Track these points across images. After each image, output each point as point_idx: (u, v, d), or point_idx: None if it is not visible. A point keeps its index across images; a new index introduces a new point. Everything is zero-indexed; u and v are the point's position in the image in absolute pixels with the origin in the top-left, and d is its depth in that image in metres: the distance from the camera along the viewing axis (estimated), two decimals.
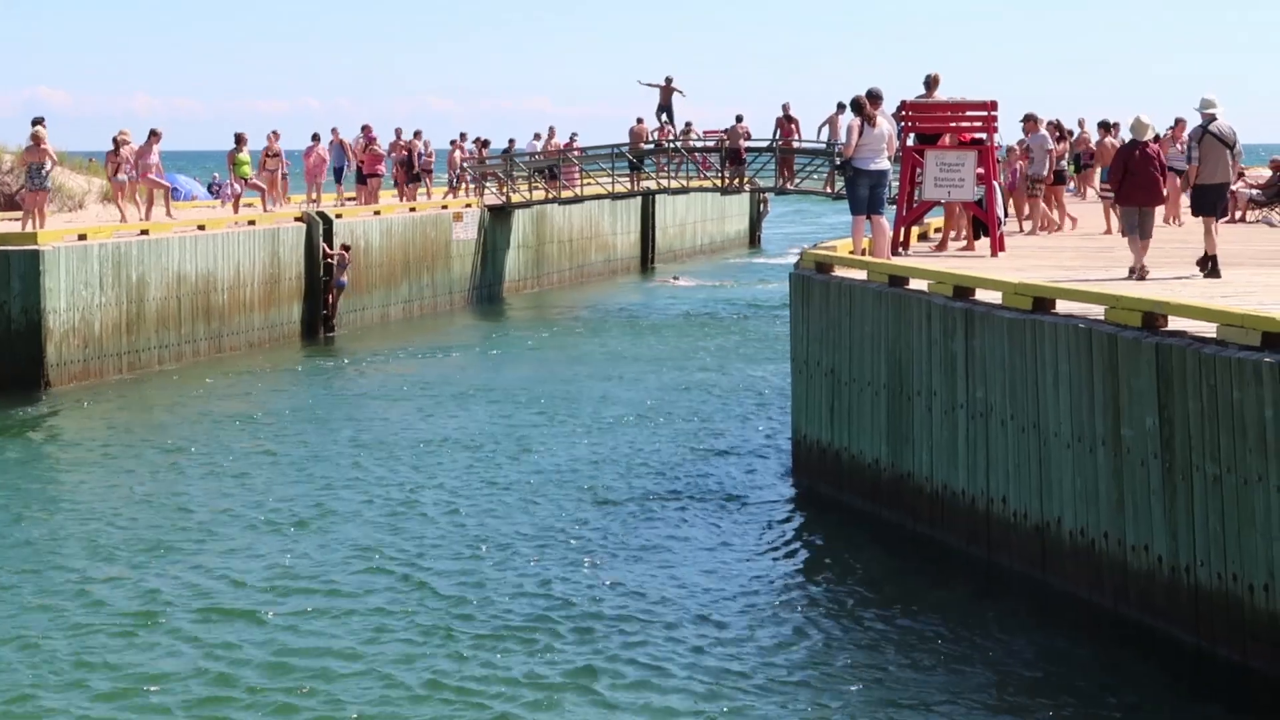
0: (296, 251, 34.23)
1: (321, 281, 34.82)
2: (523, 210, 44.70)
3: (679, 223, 59.52)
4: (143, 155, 31.71)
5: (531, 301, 43.98)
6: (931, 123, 21.39)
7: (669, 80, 44.90)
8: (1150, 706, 12.12)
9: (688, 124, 47.22)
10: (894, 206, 22.38)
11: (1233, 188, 25.39)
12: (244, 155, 36.13)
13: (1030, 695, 12.27)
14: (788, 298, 20.66)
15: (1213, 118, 17.45)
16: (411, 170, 42.32)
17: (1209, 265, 17.56)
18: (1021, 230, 25.63)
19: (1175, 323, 13.38)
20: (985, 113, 21.13)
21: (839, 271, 19.17)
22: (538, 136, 47.62)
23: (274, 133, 38.40)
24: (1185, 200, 22.94)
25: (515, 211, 44.41)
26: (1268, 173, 30.41)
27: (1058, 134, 29.91)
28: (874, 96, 19.83)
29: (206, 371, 29.28)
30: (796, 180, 42.59)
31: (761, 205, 68.82)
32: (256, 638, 13.76)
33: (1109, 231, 24.63)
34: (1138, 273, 17.40)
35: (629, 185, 45.30)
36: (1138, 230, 17.54)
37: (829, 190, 40.80)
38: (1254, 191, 28.97)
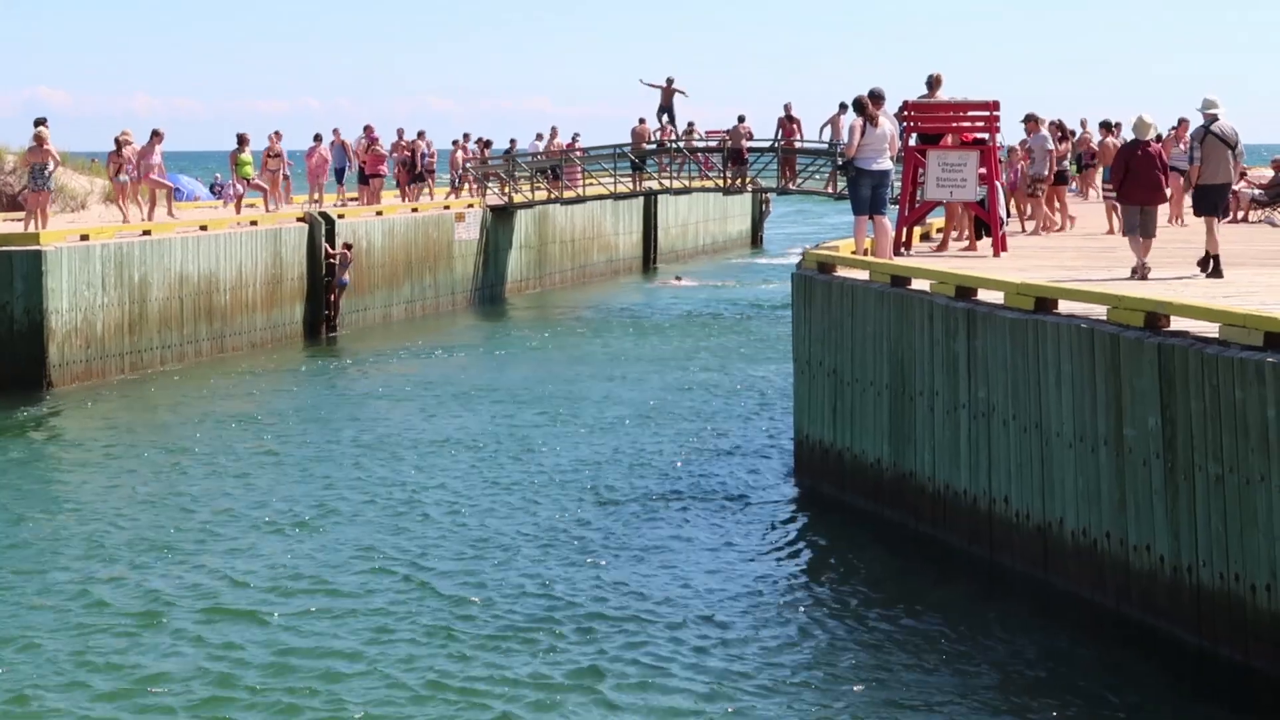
0: (299, 252, 34.24)
1: (324, 282, 34.84)
2: (525, 210, 44.71)
3: (681, 223, 59.52)
4: (145, 156, 31.73)
5: (534, 302, 43.99)
6: (934, 123, 21.39)
7: (670, 81, 44.90)
8: (1152, 706, 12.12)
9: (690, 124, 47.26)
10: (896, 206, 22.38)
11: (1235, 188, 25.41)
12: (246, 156, 36.13)
13: (1032, 695, 12.26)
14: (790, 298, 20.66)
15: (1215, 118, 17.44)
16: (415, 171, 42.36)
17: (1210, 265, 17.56)
18: (1024, 230, 25.63)
19: (1177, 323, 13.38)
20: (987, 113, 21.13)
21: (841, 271, 19.17)
22: (540, 137, 47.63)
23: (276, 133, 38.42)
24: (1188, 200, 22.94)
25: (517, 212, 44.42)
26: (1270, 173, 30.40)
27: (1060, 134, 29.91)
28: (876, 97, 19.83)
29: (209, 372, 29.30)
30: (798, 180, 42.59)
31: (763, 205, 68.85)
32: (258, 638, 13.76)
33: (1111, 231, 24.63)
34: (1140, 272, 17.40)
35: (631, 185, 45.29)
36: (1140, 229, 17.55)
37: (831, 190, 40.82)
38: (1256, 191, 28.97)
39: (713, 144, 45.82)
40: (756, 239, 68.67)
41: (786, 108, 42.79)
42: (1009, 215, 23.85)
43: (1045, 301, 14.95)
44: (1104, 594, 13.84)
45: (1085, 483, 14.03)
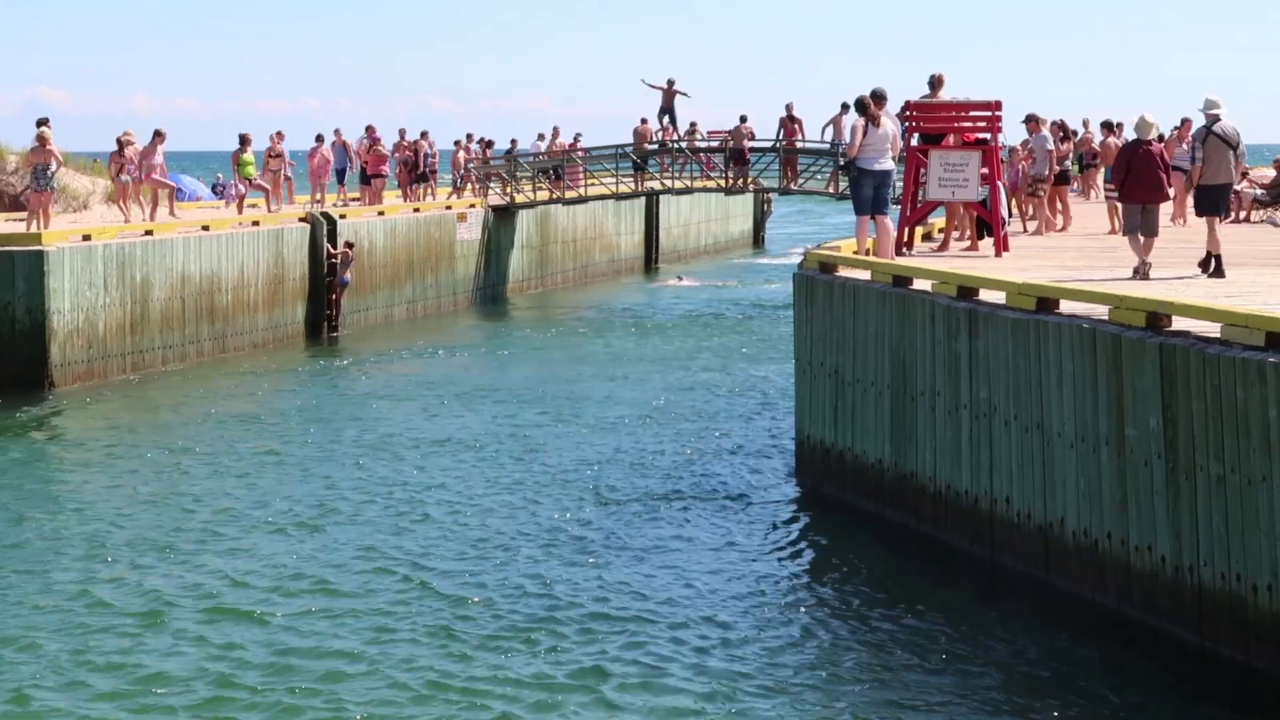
0: (300, 252, 34.25)
1: (325, 282, 34.85)
2: (527, 210, 44.72)
3: (683, 223, 59.53)
4: (147, 156, 31.75)
5: (535, 302, 43.99)
6: (936, 123, 21.39)
7: (671, 83, 44.87)
8: (1153, 707, 12.11)
9: (692, 124, 47.25)
10: (898, 206, 22.38)
11: (1237, 188, 25.39)
12: (248, 156, 36.14)
13: (1033, 695, 12.26)
14: (791, 298, 20.65)
15: (1217, 118, 17.44)
16: (419, 171, 42.41)
17: (1212, 265, 17.55)
18: (1025, 230, 25.63)
19: (1179, 323, 13.37)
20: (990, 113, 21.13)
21: (843, 272, 19.16)
22: (541, 137, 47.63)
23: (278, 133, 38.43)
24: (1190, 200, 22.94)
25: (519, 212, 44.43)
26: (1272, 172, 30.40)
27: (1062, 134, 29.91)
28: (878, 97, 19.82)
29: (210, 372, 29.30)
30: (800, 181, 42.60)
31: (765, 205, 68.87)
32: (260, 638, 13.76)
33: (1113, 231, 24.62)
34: (1141, 271, 17.40)
35: (633, 185, 45.29)
36: (1141, 228, 17.56)
37: (832, 190, 40.83)
38: (1258, 191, 28.97)
39: (714, 144, 45.82)
40: (758, 239, 68.69)
41: (788, 108, 42.82)
42: (1010, 215, 23.85)
43: (1047, 301, 14.94)
44: (1105, 594, 13.83)
45: (1087, 483, 14.02)
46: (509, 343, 34.52)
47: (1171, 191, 23.34)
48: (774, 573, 15.98)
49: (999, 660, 13.12)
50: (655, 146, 45.12)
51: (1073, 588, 14.25)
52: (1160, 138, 22.99)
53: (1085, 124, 34.76)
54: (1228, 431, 12.29)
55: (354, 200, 41.50)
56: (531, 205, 44.49)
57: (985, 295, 16.02)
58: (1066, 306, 14.83)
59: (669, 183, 46.30)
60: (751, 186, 46.40)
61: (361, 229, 36.43)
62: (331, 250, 34.79)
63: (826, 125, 41.00)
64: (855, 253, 20.30)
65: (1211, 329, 12.89)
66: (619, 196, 45.53)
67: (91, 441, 22.84)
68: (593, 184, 45.25)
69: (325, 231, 34.91)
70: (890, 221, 20.45)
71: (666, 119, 44.97)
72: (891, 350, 17.41)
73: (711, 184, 46.00)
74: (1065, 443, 14.31)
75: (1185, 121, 29.07)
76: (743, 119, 43.60)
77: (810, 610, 14.57)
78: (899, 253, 20.59)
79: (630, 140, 45.04)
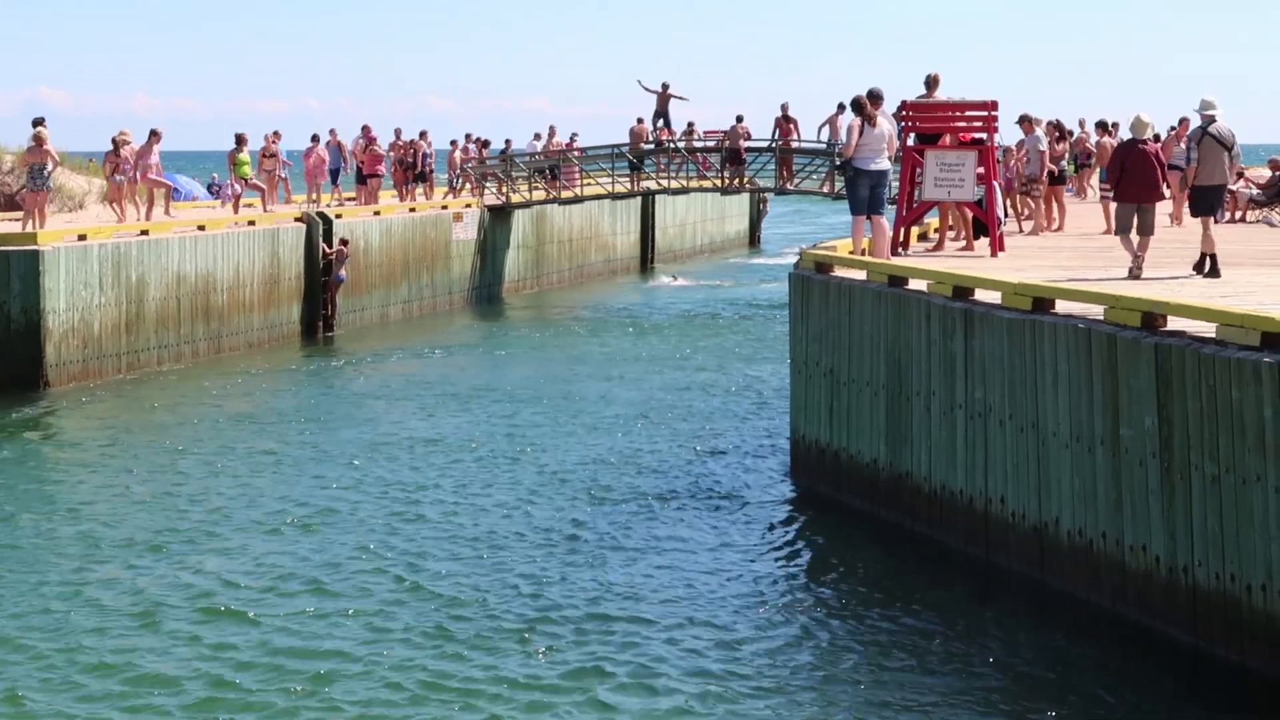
0: (296, 252, 34.24)
1: (321, 282, 34.84)
2: (522, 210, 44.72)
3: (679, 223, 59.53)
4: (143, 155, 31.73)
5: (531, 301, 43.99)
6: (932, 123, 21.38)
7: (665, 86, 44.86)
8: (1148, 706, 12.11)
9: (690, 124, 47.27)
10: (894, 206, 22.38)
11: (1233, 188, 25.40)
12: (244, 155, 36.13)
13: (1028, 695, 12.26)
14: (787, 298, 20.65)
15: (1212, 119, 17.45)
16: (418, 171, 42.42)
17: (1207, 265, 17.56)
18: (1020, 230, 25.64)
19: (1174, 323, 13.37)
20: (985, 113, 21.13)
21: (838, 271, 19.16)
22: (538, 137, 47.63)
23: (275, 133, 38.44)
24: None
25: (515, 212, 44.42)
26: (1268, 173, 30.41)
27: (1058, 134, 29.91)
28: (874, 96, 19.83)
29: (206, 372, 29.28)
30: (796, 180, 42.61)
31: (761, 205, 68.89)
32: (254, 638, 13.75)
33: (1108, 231, 24.63)
34: (1134, 270, 17.42)
35: (629, 185, 45.30)
36: (1136, 227, 17.57)
37: (828, 190, 40.83)
38: (1254, 191, 28.97)
39: (710, 144, 45.83)
40: (754, 239, 68.74)
41: (783, 107, 42.83)
42: (1006, 215, 23.86)
43: (1042, 301, 14.94)
44: (1100, 594, 13.83)
45: (1082, 483, 14.02)
46: (504, 343, 34.51)
47: (1168, 191, 23.34)
48: (769, 573, 15.98)
49: (994, 660, 13.11)
50: (651, 146, 45.13)
51: (1068, 587, 14.25)
52: (1156, 137, 23.00)
53: (1081, 124, 34.80)
54: (1223, 431, 12.29)
55: (350, 200, 41.50)
56: (527, 205, 44.48)
57: (981, 295, 16.02)
58: (1062, 306, 14.83)
59: (665, 182, 46.30)
60: (747, 186, 46.40)
61: (357, 229, 36.42)
62: (327, 250, 34.79)
63: (823, 125, 41.04)
64: (851, 252, 20.29)
65: (1207, 329, 12.89)
66: (615, 196, 45.54)
67: (86, 441, 22.82)
68: (589, 184, 45.25)
69: (321, 231, 34.90)
70: (886, 221, 20.45)
71: (661, 122, 44.95)
72: (887, 350, 17.41)
73: (707, 184, 46.01)
74: (1060, 442, 14.31)
75: (1183, 121, 29.05)
76: (739, 119, 43.62)
77: (805, 610, 14.57)
78: (895, 252, 20.59)
79: (626, 140, 45.03)
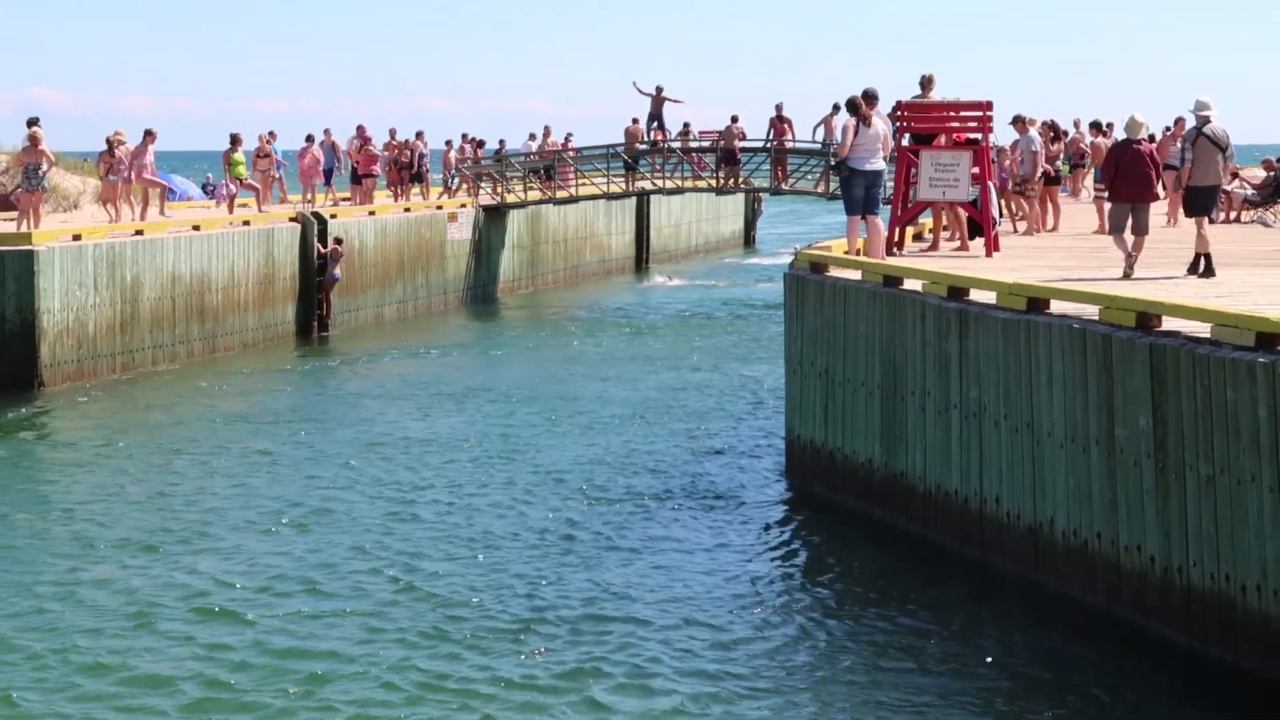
0: (291, 252, 34.22)
1: (315, 282, 34.82)
2: (517, 210, 44.71)
3: (674, 223, 59.54)
4: (138, 155, 31.71)
5: (526, 301, 43.98)
6: (927, 123, 21.39)
7: (660, 90, 44.83)
8: (1143, 706, 12.11)
9: (685, 124, 47.24)
10: (889, 207, 22.39)
11: (1228, 188, 25.41)
12: (239, 155, 36.11)
13: (1023, 695, 12.26)
14: (782, 298, 20.66)
15: (1207, 119, 17.46)
16: (415, 171, 42.42)
17: (1202, 265, 17.57)
18: (1015, 230, 25.65)
19: (1169, 323, 13.38)
20: (980, 113, 21.14)
21: (834, 272, 19.16)
22: (532, 137, 47.63)
23: (270, 133, 38.35)
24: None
25: (510, 212, 44.41)
26: (1262, 173, 30.44)
27: (1052, 134, 29.94)
28: (869, 97, 19.83)
29: (201, 372, 29.26)
30: (790, 181, 42.61)
31: (756, 205, 68.92)
32: (249, 638, 13.73)
33: (1099, 230, 24.65)
34: (1125, 270, 17.44)
35: (624, 186, 45.29)
36: (1130, 227, 17.58)
37: (823, 190, 40.84)
38: (1249, 192, 29.00)
39: (705, 144, 45.85)
40: (749, 239, 68.76)
41: (778, 108, 42.88)
42: (1000, 216, 23.88)
43: (1037, 301, 14.95)
44: (1095, 594, 13.84)
45: (1076, 483, 14.03)
46: (499, 343, 34.50)
47: (1166, 194, 23.36)
48: (764, 573, 15.97)
49: (989, 660, 13.11)
50: (646, 146, 45.12)
51: (1062, 588, 14.25)
52: (1151, 137, 23.00)
53: (1076, 124, 34.81)
54: (1217, 432, 12.30)
55: (344, 200, 41.48)
56: (522, 205, 44.47)
57: (976, 295, 16.02)
58: (1057, 306, 14.84)
59: (660, 183, 46.30)
60: (742, 186, 46.40)
61: (352, 229, 36.40)
62: (321, 249, 34.78)
63: (818, 125, 41.09)
64: (846, 253, 20.30)
65: (1202, 329, 12.91)
66: (610, 196, 45.53)
67: (81, 441, 22.80)
68: (584, 184, 45.24)
69: (316, 231, 34.89)
70: (881, 222, 20.46)
71: (655, 125, 44.91)
72: (882, 350, 17.41)
73: (702, 184, 46.01)
74: (1055, 443, 14.32)
75: (1179, 121, 29.08)
76: (734, 119, 43.64)
77: (800, 610, 14.56)
78: (890, 253, 20.61)
79: (622, 140, 45.03)
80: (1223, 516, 12.28)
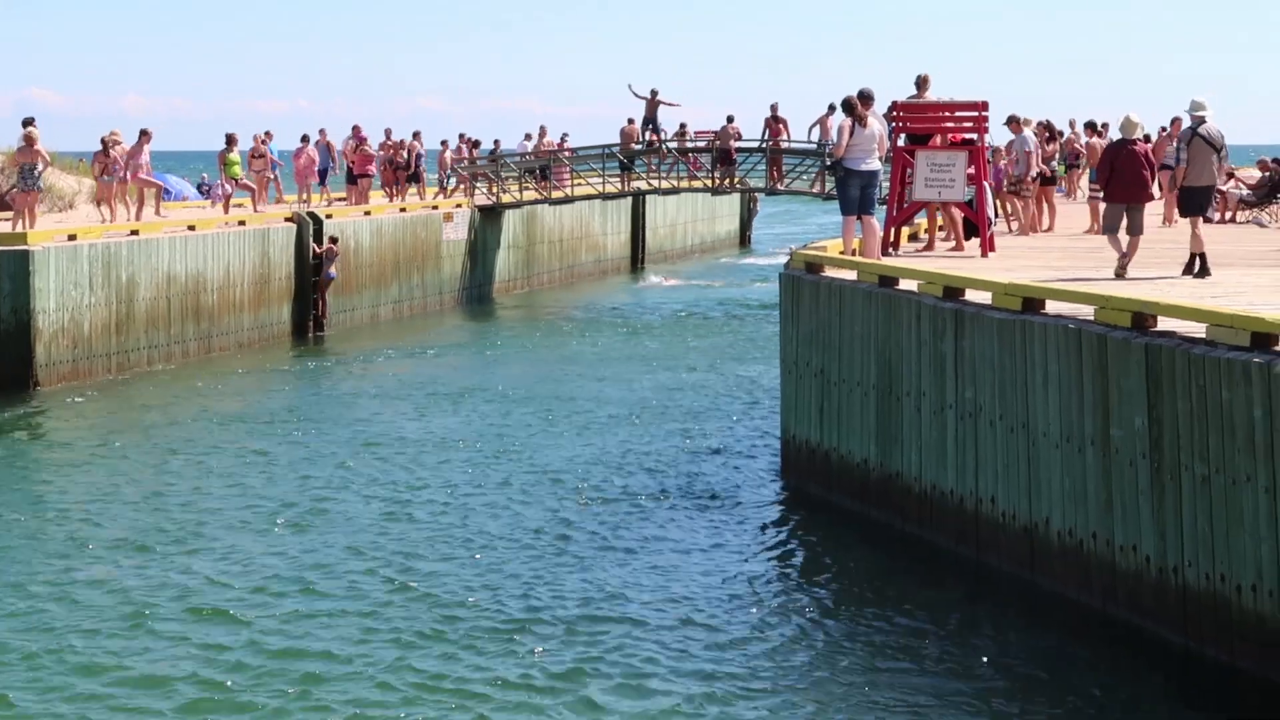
0: (286, 252, 34.21)
1: (311, 281, 34.81)
2: (513, 210, 44.70)
3: (669, 223, 59.53)
4: (133, 155, 31.70)
5: (522, 301, 43.97)
6: (922, 123, 21.40)
7: (654, 93, 44.74)
8: (1138, 706, 12.12)
9: (682, 125, 47.21)
10: (884, 207, 22.40)
11: (1223, 188, 25.44)
12: (234, 156, 36.09)
13: (1018, 695, 12.26)
14: (778, 298, 20.66)
15: (1202, 120, 17.47)
16: (410, 171, 42.41)
17: (1197, 265, 17.58)
18: (1010, 231, 25.66)
19: (1165, 323, 13.39)
20: (976, 113, 21.15)
21: (829, 272, 19.17)
22: (528, 137, 47.60)
23: (266, 133, 38.34)
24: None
25: (505, 212, 44.40)
26: (1258, 173, 30.47)
27: (1047, 135, 29.96)
28: (865, 97, 19.84)
29: (196, 372, 29.24)
30: (786, 181, 42.61)
31: (751, 205, 68.93)
32: (244, 638, 13.72)
33: (1092, 230, 24.66)
34: (1119, 270, 17.46)
35: (620, 186, 45.28)
36: (1125, 227, 17.59)
37: (818, 191, 40.84)
38: (1244, 192, 29.02)
39: (701, 144, 45.84)
40: (745, 239, 68.75)
41: (773, 108, 42.86)
42: (996, 216, 23.88)
43: (1032, 302, 14.96)
44: (1090, 594, 13.84)
45: (1072, 483, 14.03)
46: (495, 343, 34.49)
47: (1161, 194, 23.36)
48: (759, 573, 15.97)
49: (984, 660, 13.11)
50: (641, 147, 45.10)
51: (1058, 588, 14.26)
52: (1146, 137, 23.03)
53: (1071, 124, 34.84)
54: (1213, 432, 12.30)
55: (340, 200, 41.46)
56: (518, 205, 44.46)
57: (971, 295, 16.03)
58: (1052, 307, 14.84)
59: (655, 183, 46.29)
60: (738, 186, 46.40)
61: (347, 229, 36.39)
62: (316, 248, 34.77)
63: (813, 126, 41.08)
64: (841, 253, 20.30)
65: (1197, 329, 12.91)
66: (606, 197, 45.53)
67: (76, 442, 22.78)
68: (579, 184, 45.23)
69: (311, 231, 34.87)
70: (876, 222, 20.46)
71: (650, 129, 44.85)
72: (877, 350, 17.41)
73: (698, 184, 46.00)
74: (1050, 443, 14.32)
75: (1175, 121, 29.13)
76: (730, 119, 43.63)
77: (795, 610, 14.56)
78: (885, 253, 20.61)
79: (617, 140, 45.01)
80: (1218, 517, 12.29)
